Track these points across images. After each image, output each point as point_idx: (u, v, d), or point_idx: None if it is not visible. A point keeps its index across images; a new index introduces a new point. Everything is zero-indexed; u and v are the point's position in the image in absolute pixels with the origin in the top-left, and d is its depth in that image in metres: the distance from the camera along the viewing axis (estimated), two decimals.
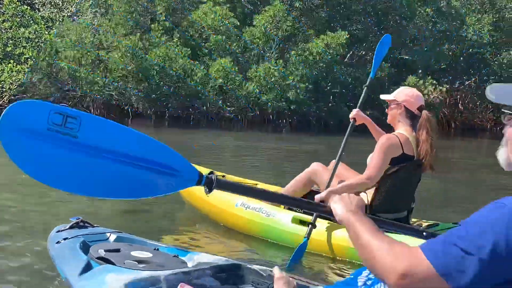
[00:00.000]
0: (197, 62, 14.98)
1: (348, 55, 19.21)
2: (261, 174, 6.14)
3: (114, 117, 13.85)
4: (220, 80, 13.51)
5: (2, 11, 15.80)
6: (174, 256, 2.32)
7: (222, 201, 3.86)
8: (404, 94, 3.34)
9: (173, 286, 1.85)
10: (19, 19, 15.15)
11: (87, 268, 2.13)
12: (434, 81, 18.09)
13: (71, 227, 2.58)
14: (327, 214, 1.44)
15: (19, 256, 3.11)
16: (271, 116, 16.70)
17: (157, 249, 2.43)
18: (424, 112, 3.27)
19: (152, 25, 15.28)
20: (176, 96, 14.93)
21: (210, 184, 1.49)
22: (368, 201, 3.27)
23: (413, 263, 0.99)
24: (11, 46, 14.62)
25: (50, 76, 14.83)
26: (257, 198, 2.50)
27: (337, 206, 1.33)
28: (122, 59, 14.50)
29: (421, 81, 18.00)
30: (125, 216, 4.13)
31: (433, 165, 3.29)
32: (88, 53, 14.68)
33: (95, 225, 2.69)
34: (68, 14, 16.71)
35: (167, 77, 14.59)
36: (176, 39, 15.01)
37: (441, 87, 18.09)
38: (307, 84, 15.88)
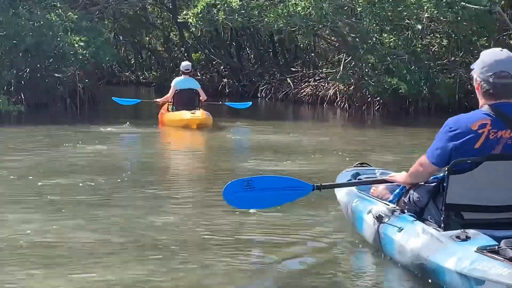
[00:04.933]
0: None
1: None
2: None
3: None
4: None
5: None
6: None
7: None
8: None
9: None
10: None
11: (345, 179, 5.31)
12: None
13: (354, 167, 5.63)
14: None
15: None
16: None
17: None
18: None
19: None
20: None
21: (318, 189, 4.59)
22: None
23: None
24: None
25: None
26: (353, 186, 4.98)
27: (398, 179, 4.35)
28: None
29: None
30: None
31: None
32: None
33: (372, 166, 5.71)
34: None
35: None
36: None
37: None
38: None
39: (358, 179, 5.21)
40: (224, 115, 16.43)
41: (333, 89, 19.57)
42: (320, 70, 21.36)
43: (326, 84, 20.21)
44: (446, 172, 3.75)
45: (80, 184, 7.30)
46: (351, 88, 18.44)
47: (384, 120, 16.15)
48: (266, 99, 22.51)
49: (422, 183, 4.10)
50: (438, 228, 3.82)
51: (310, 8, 16.21)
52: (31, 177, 7.63)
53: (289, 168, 8.52)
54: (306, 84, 21.24)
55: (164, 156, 10.54)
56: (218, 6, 17.62)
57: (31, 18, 16.25)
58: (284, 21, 16.77)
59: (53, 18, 16.60)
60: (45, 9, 16.79)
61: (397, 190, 4.36)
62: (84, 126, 13.77)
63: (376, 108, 17.71)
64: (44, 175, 7.85)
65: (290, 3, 16.64)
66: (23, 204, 6.29)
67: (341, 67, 18.76)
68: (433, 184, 4.03)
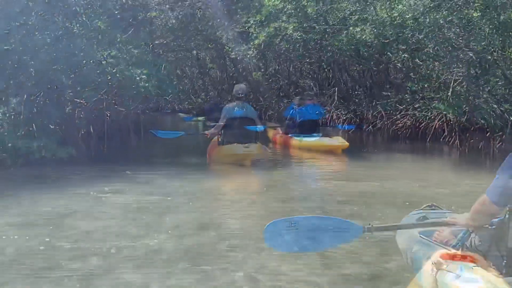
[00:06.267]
0: None
1: None
2: None
3: None
4: None
5: None
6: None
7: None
8: None
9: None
10: None
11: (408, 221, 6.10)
12: None
13: (423, 209, 6.32)
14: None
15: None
16: None
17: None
18: None
19: None
20: None
21: (369, 231, 5.26)
22: None
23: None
24: None
25: None
26: (404, 228, 5.76)
27: (460, 221, 5.04)
28: None
29: None
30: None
31: None
32: None
33: (444, 209, 6.30)
34: None
35: None
36: None
37: None
38: None
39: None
40: (291, 151, 16.73)
41: (438, 119, 19.68)
42: (421, 95, 21.40)
43: (428, 113, 20.26)
44: (508, 212, 4.33)
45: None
46: (463, 118, 18.45)
47: None
48: (350, 132, 22.56)
49: (486, 225, 4.63)
50: (499, 275, 4.31)
51: (409, 14, 16.21)
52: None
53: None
54: (403, 113, 21.46)
55: (214, 207, 10.49)
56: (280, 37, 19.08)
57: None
58: (374, 31, 16.83)
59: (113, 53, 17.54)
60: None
61: (461, 234, 4.91)
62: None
63: (497, 146, 17.60)
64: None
65: (382, 8, 16.69)
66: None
67: (450, 91, 18.80)
68: (495, 226, 4.57)
